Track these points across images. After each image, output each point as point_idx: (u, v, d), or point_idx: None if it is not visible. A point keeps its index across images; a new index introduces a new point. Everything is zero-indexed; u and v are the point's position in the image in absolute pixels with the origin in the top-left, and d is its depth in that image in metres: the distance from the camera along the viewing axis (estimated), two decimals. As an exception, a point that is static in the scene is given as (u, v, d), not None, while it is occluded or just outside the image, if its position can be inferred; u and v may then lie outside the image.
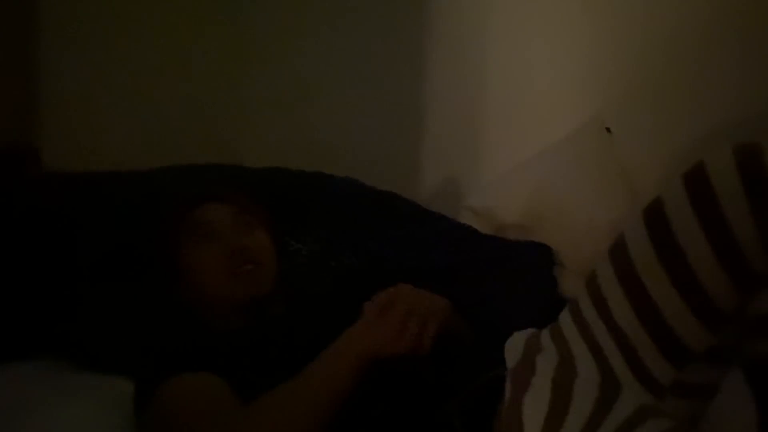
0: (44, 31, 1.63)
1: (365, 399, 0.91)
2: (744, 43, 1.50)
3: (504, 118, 1.79)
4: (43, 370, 1.18)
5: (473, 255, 1.46)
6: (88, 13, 1.74)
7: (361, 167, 1.71)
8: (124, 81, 1.79)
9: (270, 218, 1.29)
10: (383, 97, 1.91)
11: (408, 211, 1.62)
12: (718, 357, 0.79)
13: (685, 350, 0.77)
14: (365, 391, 0.91)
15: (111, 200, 1.39)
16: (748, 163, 0.74)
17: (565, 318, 0.85)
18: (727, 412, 0.84)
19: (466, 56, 1.82)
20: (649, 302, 0.77)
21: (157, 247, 1.22)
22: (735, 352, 0.80)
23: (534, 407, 0.79)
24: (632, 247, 0.80)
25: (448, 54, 1.84)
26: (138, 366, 1.07)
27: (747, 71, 1.50)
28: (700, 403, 0.81)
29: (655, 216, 0.78)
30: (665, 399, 0.78)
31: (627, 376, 0.78)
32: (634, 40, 1.64)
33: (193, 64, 1.93)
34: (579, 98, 1.69)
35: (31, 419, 1.02)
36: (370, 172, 1.67)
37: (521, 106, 1.76)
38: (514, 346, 0.87)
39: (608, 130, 1.63)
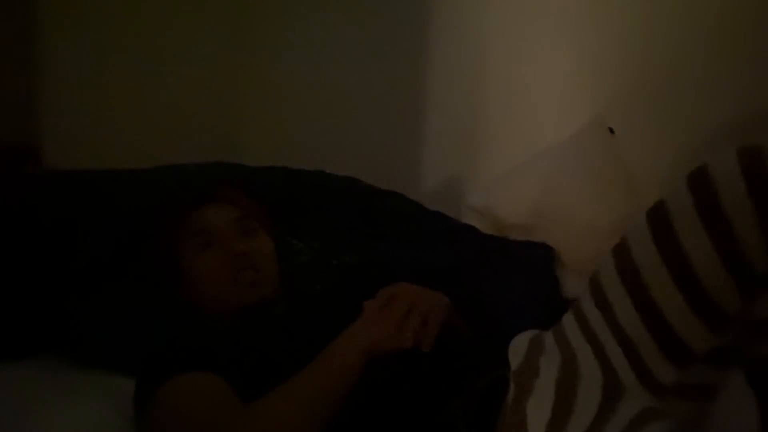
0: (45, 30, 1.63)
1: (367, 396, 0.91)
2: (748, 43, 1.50)
3: (506, 118, 1.78)
4: (42, 369, 1.18)
5: (474, 254, 1.46)
6: (88, 12, 1.74)
7: (362, 166, 1.70)
8: (125, 80, 1.78)
9: (271, 218, 1.28)
10: (385, 96, 1.91)
11: (409, 210, 1.62)
12: (720, 358, 0.79)
13: (687, 351, 0.77)
14: (367, 388, 0.91)
15: (111, 199, 1.39)
16: (752, 166, 0.74)
17: (568, 320, 0.85)
18: (729, 414, 0.84)
19: (468, 55, 1.82)
20: (652, 303, 0.77)
21: (157, 250, 1.21)
22: (737, 354, 0.80)
23: (537, 409, 0.79)
24: (635, 248, 0.80)
25: (450, 52, 1.84)
26: (138, 365, 1.07)
27: (751, 71, 1.50)
28: (702, 404, 0.81)
29: (658, 218, 0.78)
30: (668, 400, 0.78)
31: (630, 377, 0.78)
32: (638, 40, 1.63)
33: (194, 63, 1.93)
34: (582, 98, 1.69)
35: (32, 418, 1.02)
36: (371, 171, 1.67)
37: (523, 106, 1.76)
38: (518, 347, 0.87)
39: (611, 130, 1.63)
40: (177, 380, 0.97)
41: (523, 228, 1.57)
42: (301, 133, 1.97)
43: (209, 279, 1.15)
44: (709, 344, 0.77)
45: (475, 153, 1.83)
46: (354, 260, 1.42)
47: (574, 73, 1.70)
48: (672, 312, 0.76)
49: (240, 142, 1.98)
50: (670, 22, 1.60)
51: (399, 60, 1.89)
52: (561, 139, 1.63)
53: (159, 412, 0.95)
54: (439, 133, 1.86)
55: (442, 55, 1.85)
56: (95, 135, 1.73)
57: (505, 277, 1.39)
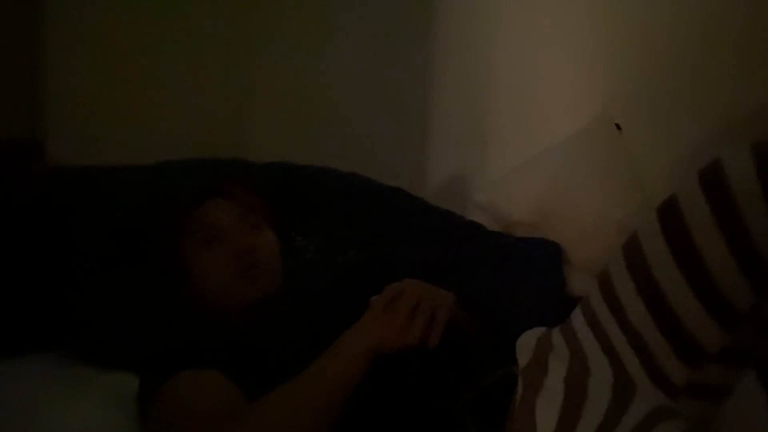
0: (49, 25, 1.62)
1: (374, 394, 0.90)
2: (753, 37, 1.48)
3: (512, 114, 1.78)
4: (46, 366, 1.17)
5: (481, 252, 1.45)
6: (93, 8, 1.73)
7: (367, 163, 1.70)
8: (129, 75, 1.78)
9: (275, 214, 1.28)
10: (390, 93, 1.90)
11: (415, 206, 1.61)
12: (732, 358, 0.78)
13: (699, 350, 0.76)
14: (373, 385, 0.90)
15: (115, 194, 1.38)
16: (766, 162, 0.73)
17: (577, 317, 0.85)
18: (741, 413, 0.83)
19: (475, 52, 1.81)
20: (663, 301, 0.76)
21: (161, 245, 1.21)
22: (749, 353, 0.80)
23: (547, 408, 0.78)
24: (646, 245, 0.79)
25: (456, 49, 1.83)
26: (142, 363, 1.06)
27: (757, 66, 1.48)
28: (714, 404, 0.80)
29: (669, 214, 0.77)
30: (679, 400, 0.77)
31: (641, 376, 0.77)
32: (645, 36, 1.62)
33: (199, 58, 1.92)
34: (588, 94, 1.68)
35: (36, 415, 1.02)
36: (376, 168, 1.66)
37: (530, 102, 1.75)
38: (526, 344, 0.86)
39: (618, 126, 1.62)
40: (181, 377, 0.96)
41: (529, 225, 1.56)
42: (305, 130, 1.96)
43: (213, 275, 1.15)
44: (721, 343, 0.76)
45: (481, 150, 1.82)
46: (358, 257, 1.42)
47: (580, 69, 1.69)
48: (684, 310, 0.75)
49: (244, 138, 1.97)
50: (676, 17, 1.59)
51: (404, 56, 1.89)
52: (567, 136, 1.62)
53: (163, 410, 0.95)
54: (444, 129, 1.86)
55: (447, 52, 1.84)
56: (99, 131, 1.73)
57: (511, 275, 1.39)
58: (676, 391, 0.77)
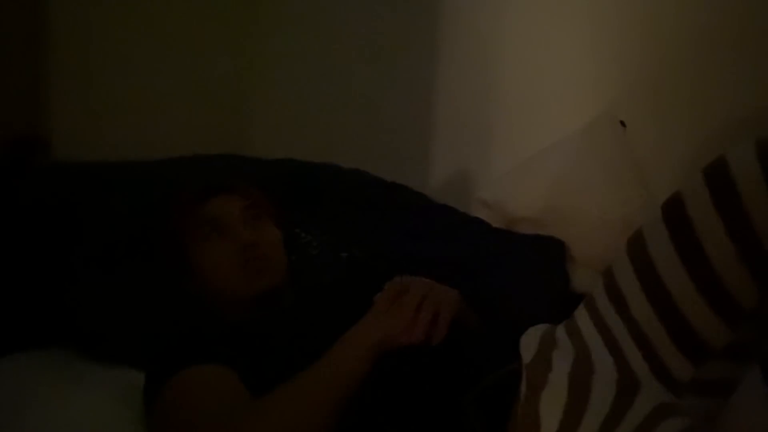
0: (55, 23, 1.62)
1: (378, 390, 0.90)
2: (758, 35, 1.48)
3: (516, 111, 1.77)
4: (52, 361, 1.18)
5: (484, 248, 1.46)
6: (98, 5, 1.73)
7: (371, 159, 1.70)
8: (135, 72, 1.78)
9: (279, 210, 1.28)
10: (394, 89, 1.90)
11: (418, 203, 1.61)
12: (736, 354, 0.78)
13: (703, 347, 0.77)
14: (378, 382, 0.90)
15: (120, 190, 1.38)
16: (771, 158, 0.73)
17: (581, 313, 0.85)
18: (745, 410, 0.83)
19: (479, 48, 1.80)
20: (668, 298, 0.76)
21: (165, 240, 1.21)
22: (753, 349, 0.80)
23: (551, 404, 0.78)
24: (651, 241, 0.79)
25: (461, 45, 1.83)
26: (148, 357, 1.07)
27: (762, 64, 1.48)
28: (718, 400, 0.80)
29: (674, 211, 0.77)
30: (684, 396, 0.77)
31: (645, 372, 0.77)
32: (650, 33, 1.62)
33: (203, 56, 1.92)
34: (593, 91, 1.67)
35: (41, 410, 1.02)
36: (380, 164, 1.66)
37: (534, 99, 1.74)
38: (529, 341, 0.86)
39: (622, 123, 1.62)
40: (187, 373, 0.97)
41: (533, 222, 1.56)
42: (309, 126, 1.96)
43: (217, 268, 1.15)
44: (725, 339, 0.77)
45: (485, 146, 1.82)
46: (363, 253, 1.42)
47: (585, 66, 1.69)
48: (688, 307, 0.76)
49: (249, 134, 1.97)
50: (682, 14, 1.59)
51: (409, 52, 1.88)
52: (572, 133, 1.62)
53: (169, 405, 0.95)
54: (448, 126, 1.85)
55: (452, 48, 1.83)
56: (104, 127, 1.73)
57: (515, 271, 1.39)
58: (680, 387, 0.77)
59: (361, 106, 1.92)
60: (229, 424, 0.88)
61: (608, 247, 1.37)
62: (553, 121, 1.70)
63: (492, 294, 1.31)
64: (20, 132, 1.56)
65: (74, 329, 1.23)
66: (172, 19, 1.86)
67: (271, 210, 1.25)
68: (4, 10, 1.54)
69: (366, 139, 1.90)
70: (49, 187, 1.36)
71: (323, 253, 1.39)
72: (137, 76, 1.78)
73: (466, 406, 0.83)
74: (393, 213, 1.55)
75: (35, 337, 1.22)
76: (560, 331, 0.86)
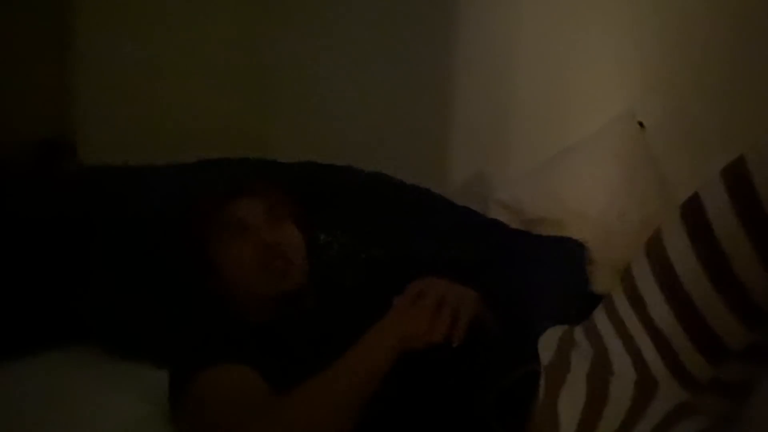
0: (81, 27, 1.64)
1: (398, 391, 0.91)
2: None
3: (534, 112, 1.77)
4: (77, 359, 1.20)
5: (502, 250, 1.46)
6: (123, 9, 1.76)
7: (390, 161, 1.70)
8: (159, 77, 1.80)
9: (301, 212, 1.29)
10: (412, 91, 1.90)
11: (437, 205, 1.61)
12: (755, 355, 0.78)
13: (722, 347, 0.77)
14: (398, 383, 0.91)
15: (145, 193, 1.40)
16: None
17: (599, 314, 0.85)
18: (765, 410, 0.83)
19: (496, 50, 1.80)
20: (687, 299, 0.76)
21: (189, 241, 1.23)
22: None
23: (569, 403, 0.79)
24: (669, 242, 0.79)
25: (478, 47, 1.83)
26: (172, 357, 1.08)
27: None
28: (737, 400, 0.80)
29: (693, 211, 0.77)
30: (702, 397, 0.77)
31: (664, 373, 0.77)
32: (668, 33, 1.61)
33: (225, 61, 1.94)
34: (611, 91, 1.67)
35: (67, 408, 1.04)
36: (399, 166, 1.67)
37: (552, 100, 1.74)
38: (548, 342, 0.87)
39: (641, 124, 1.61)
40: (210, 372, 0.98)
41: (551, 223, 1.56)
42: (329, 129, 1.96)
43: (239, 270, 1.16)
44: (744, 340, 0.76)
45: (503, 148, 1.82)
46: (382, 255, 1.42)
47: (603, 66, 1.68)
48: (707, 308, 0.76)
49: (269, 137, 1.98)
50: (700, 14, 1.58)
51: (426, 55, 1.88)
52: (590, 134, 1.62)
53: (193, 403, 0.97)
54: (466, 127, 1.85)
55: (469, 49, 1.83)
56: (129, 131, 1.75)
57: (534, 273, 1.39)
58: (699, 388, 0.77)
59: (380, 109, 1.93)
60: (253, 420, 0.89)
61: (627, 248, 1.37)
62: (571, 122, 1.69)
63: (511, 295, 1.31)
64: (46, 136, 1.58)
65: (99, 328, 1.25)
66: (196, 23, 1.87)
67: (293, 212, 1.26)
68: (31, 17, 1.56)
69: (385, 142, 1.90)
70: (75, 191, 1.39)
71: (343, 255, 1.40)
72: (162, 80, 1.80)
73: (485, 407, 0.83)
74: (412, 215, 1.56)
75: (60, 335, 1.24)
76: (579, 331, 0.86)
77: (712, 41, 1.56)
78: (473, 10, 1.82)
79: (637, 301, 0.80)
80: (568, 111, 1.72)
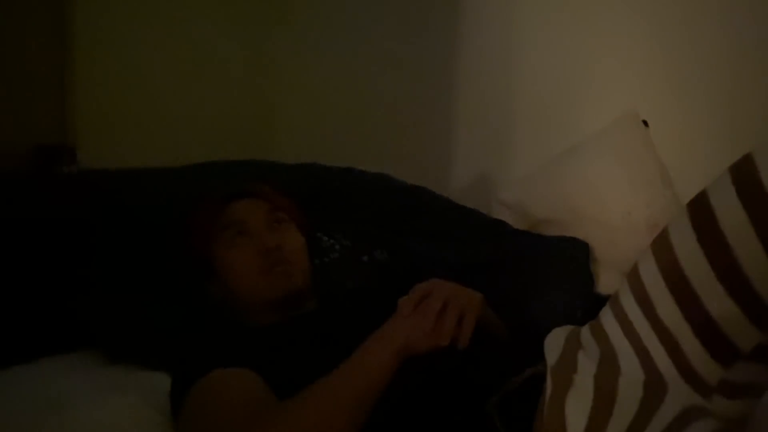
0: (80, 32, 1.64)
1: (403, 394, 0.90)
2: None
3: (538, 112, 1.76)
4: (79, 365, 1.19)
5: (507, 250, 1.45)
6: (122, 13, 1.76)
7: (393, 162, 1.70)
8: (159, 80, 1.80)
9: (302, 214, 1.28)
10: (416, 92, 1.90)
11: (440, 206, 1.61)
12: (765, 355, 0.77)
13: (732, 348, 0.75)
14: (403, 386, 0.90)
15: (146, 197, 1.40)
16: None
17: (606, 315, 0.84)
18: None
19: (499, 49, 1.80)
20: (695, 299, 0.75)
21: (190, 244, 1.22)
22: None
23: (577, 405, 0.77)
24: (676, 241, 0.78)
25: (482, 47, 1.83)
26: (173, 361, 1.08)
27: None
28: (747, 402, 0.79)
29: (700, 210, 0.76)
30: (712, 399, 0.76)
31: (672, 374, 0.76)
32: (672, 32, 1.60)
33: (226, 63, 1.94)
34: (616, 90, 1.66)
35: (73, 411, 1.03)
36: (402, 168, 1.66)
37: (556, 99, 1.73)
38: (554, 342, 0.86)
39: (645, 123, 1.60)
40: (212, 376, 0.97)
41: (556, 223, 1.55)
42: (332, 131, 1.96)
43: (241, 272, 1.16)
44: (754, 341, 0.75)
45: (507, 148, 1.81)
46: (385, 257, 1.42)
47: (607, 65, 1.68)
48: (716, 308, 0.74)
49: (271, 139, 1.98)
50: (705, 12, 1.57)
51: (430, 56, 1.88)
52: (595, 133, 1.61)
53: (196, 408, 0.96)
54: (470, 128, 1.85)
55: (473, 49, 1.83)
56: (130, 134, 1.75)
57: (539, 273, 1.38)
58: (709, 389, 0.76)
59: (383, 111, 1.93)
60: (256, 425, 0.88)
61: (633, 248, 1.36)
62: (575, 121, 1.69)
63: (516, 296, 1.31)
64: (46, 140, 1.58)
65: (99, 332, 1.24)
66: (196, 28, 1.87)
67: (295, 214, 1.26)
68: (31, 20, 1.56)
69: (388, 143, 1.90)
70: (75, 194, 1.38)
71: (345, 257, 1.39)
72: (162, 85, 1.80)
73: (491, 410, 0.82)
74: (416, 216, 1.55)
75: (61, 340, 1.23)
76: (585, 332, 0.85)
77: (717, 39, 1.55)
78: (476, 10, 1.82)
79: (644, 301, 0.79)
80: (573, 110, 1.71)
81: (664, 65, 1.62)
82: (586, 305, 1.32)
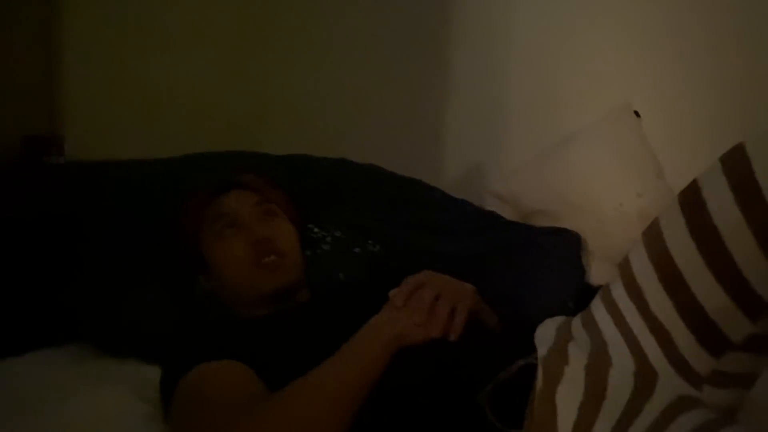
0: (68, 22, 1.63)
1: (395, 386, 0.90)
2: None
3: (530, 103, 1.76)
4: (69, 357, 1.19)
5: (499, 242, 1.45)
6: (109, 3, 1.74)
7: (384, 154, 1.69)
8: (147, 70, 1.79)
9: (293, 206, 1.28)
10: (407, 83, 1.90)
11: (432, 197, 1.61)
12: (757, 346, 0.77)
13: (723, 339, 0.75)
14: (395, 377, 0.90)
15: (134, 188, 1.39)
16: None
17: (597, 305, 0.84)
18: (766, 402, 0.82)
19: (492, 40, 1.79)
20: (686, 289, 0.75)
21: (180, 236, 1.21)
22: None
23: (568, 396, 0.77)
24: (667, 232, 0.78)
25: (474, 38, 1.82)
26: (163, 353, 1.07)
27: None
28: (738, 392, 0.79)
29: (691, 200, 0.76)
30: (703, 389, 0.76)
31: (663, 365, 0.76)
32: (664, 23, 1.60)
33: (216, 54, 1.93)
34: (607, 82, 1.66)
35: (64, 402, 1.03)
36: (393, 159, 1.66)
37: (548, 90, 1.73)
38: (545, 333, 0.85)
39: (637, 114, 1.60)
40: (202, 368, 0.97)
41: (548, 214, 1.55)
42: (322, 122, 1.96)
43: (231, 264, 1.15)
44: (745, 331, 0.75)
45: (499, 139, 1.81)
46: (376, 249, 1.41)
47: (599, 57, 1.68)
48: (707, 298, 0.74)
49: (262, 130, 1.98)
50: (698, 4, 1.57)
51: (421, 47, 1.87)
52: (586, 124, 1.61)
53: (186, 400, 0.95)
54: (462, 119, 1.85)
55: (465, 40, 1.83)
56: (117, 126, 1.74)
57: (531, 265, 1.38)
58: (700, 380, 0.76)
59: (374, 102, 1.92)
60: (247, 417, 0.87)
61: (624, 239, 1.36)
62: (567, 113, 1.69)
63: (508, 288, 1.31)
64: (34, 130, 1.57)
65: (89, 325, 1.23)
66: (185, 19, 1.86)
67: (285, 206, 1.25)
68: (18, 11, 1.55)
69: (379, 134, 1.90)
70: (63, 186, 1.37)
71: (336, 249, 1.38)
72: (150, 76, 1.79)
73: (482, 401, 0.82)
74: (407, 207, 1.55)
75: (51, 333, 1.22)
76: (576, 323, 0.85)
77: (709, 30, 1.55)
78: (469, 3, 1.81)
79: (635, 292, 0.78)
80: (565, 102, 1.71)
81: (656, 56, 1.62)
82: (578, 296, 1.32)
